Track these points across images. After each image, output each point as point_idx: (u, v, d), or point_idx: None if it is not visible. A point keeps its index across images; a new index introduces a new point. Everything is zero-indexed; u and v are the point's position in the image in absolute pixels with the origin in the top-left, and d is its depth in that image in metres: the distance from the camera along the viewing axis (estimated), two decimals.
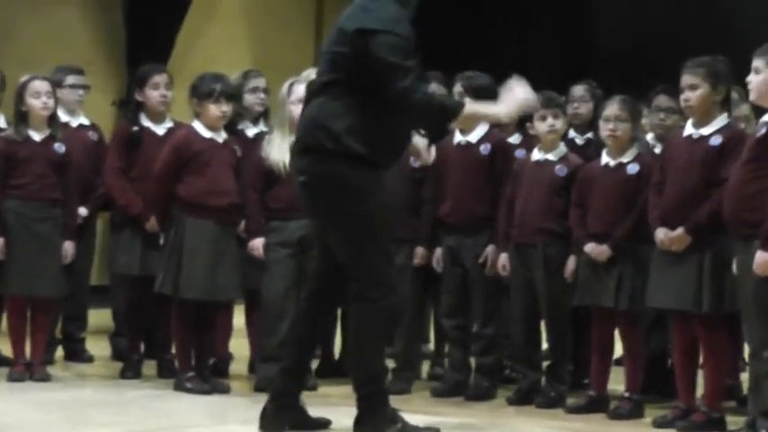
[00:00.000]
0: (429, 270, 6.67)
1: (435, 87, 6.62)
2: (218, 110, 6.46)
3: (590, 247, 6.01)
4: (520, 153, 6.61)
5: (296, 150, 5.28)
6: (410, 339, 6.76)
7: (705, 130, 5.64)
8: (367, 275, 5.13)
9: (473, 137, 6.52)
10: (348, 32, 5.08)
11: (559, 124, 6.33)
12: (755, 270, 5.13)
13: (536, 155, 6.37)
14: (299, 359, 5.34)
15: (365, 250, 5.13)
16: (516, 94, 5.14)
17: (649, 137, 6.80)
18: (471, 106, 5.17)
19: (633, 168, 6.04)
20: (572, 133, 6.94)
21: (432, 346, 7.43)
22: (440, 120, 5.04)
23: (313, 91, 5.25)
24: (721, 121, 5.66)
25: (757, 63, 5.30)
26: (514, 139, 6.86)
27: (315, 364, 6.56)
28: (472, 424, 5.83)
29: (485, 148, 6.50)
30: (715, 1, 11.81)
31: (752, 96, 5.42)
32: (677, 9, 11.87)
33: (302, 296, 5.51)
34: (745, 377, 5.80)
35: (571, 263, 6.16)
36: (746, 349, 5.59)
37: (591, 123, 6.84)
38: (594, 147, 6.60)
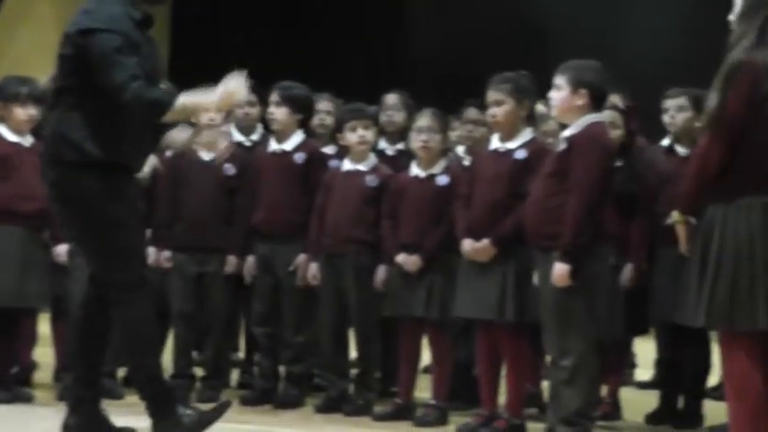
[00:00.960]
0: (240, 278, 6.69)
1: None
2: (24, 113, 6.36)
3: (401, 258, 6.11)
4: (335, 163, 6.66)
5: (44, 163, 5.18)
6: (220, 347, 6.76)
7: (511, 144, 5.79)
8: (122, 279, 5.08)
9: (288, 145, 6.57)
10: (71, 34, 5.04)
11: (369, 135, 6.41)
12: (554, 281, 5.28)
13: (346, 165, 6.45)
14: (88, 368, 5.27)
15: (119, 255, 5.07)
16: (228, 85, 5.14)
17: (459, 149, 6.96)
18: (182, 98, 5.16)
19: (443, 180, 6.16)
20: (383, 144, 7.03)
21: (242, 354, 7.45)
22: (154, 114, 5.04)
23: (52, 98, 5.20)
24: (526, 135, 5.81)
25: (558, 80, 5.44)
26: (330, 149, 6.93)
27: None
28: None
29: (299, 157, 6.55)
30: (526, 18, 12.11)
31: (553, 113, 5.58)
32: (489, 24, 12.15)
33: (77, 304, 5.43)
34: (546, 385, 5.96)
35: (381, 272, 6.25)
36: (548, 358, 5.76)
37: (402, 133, 6.95)
38: (406, 158, 6.71)
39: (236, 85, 5.03)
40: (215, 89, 5.02)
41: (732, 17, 4.45)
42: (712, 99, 4.36)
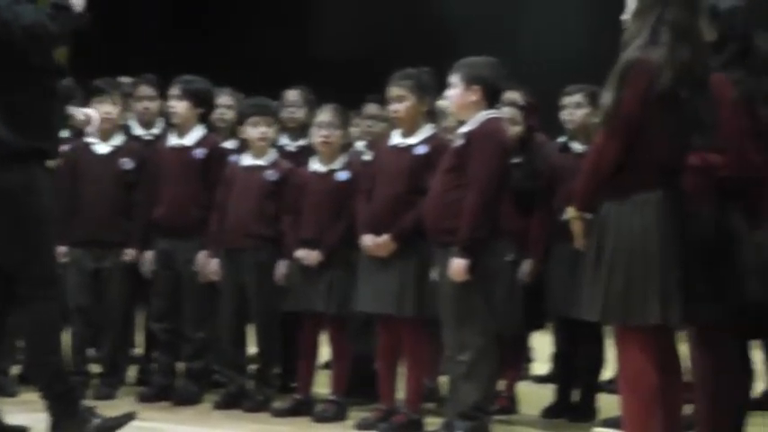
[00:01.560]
0: (139, 274, 6.65)
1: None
2: None
3: (301, 253, 6.11)
4: (236, 158, 6.61)
5: None
6: (117, 343, 6.71)
7: (411, 140, 5.83)
8: (40, 274, 5.00)
9: (188, 140, 6.54)
10: None
11: (271, 132, 6.41)
12: (452, 276, 5.33)
13: (246, 160, 6.43)
14: None
15: (38, 250, 5.00)
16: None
17: (359, 144, 6.98)
18: None
19: (343, 175, 6.19)
20: (284, 140, 7.02)
21: (140, 350, 7.39)
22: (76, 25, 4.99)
23: None
24: (427, 131, 5.86)
25: (453, 78, 5.50)
26: (231, 143, 6.91)
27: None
28: (177, 429, 5.83)
29: (200, 152, 6.53)
30: (429, 15, 12.16)
31: (450, 110, 5.64)
32: (392, 20, 12.18)
33: None
34: (444, 380, 6.01)
35: (281, 267, 6.25)
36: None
37: (303, 129, 6.95)
38: (307, 153, 6.72)
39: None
40: None
41: (626, 16, 4.52)
42: (607, 97, 4.42)
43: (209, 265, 6.41)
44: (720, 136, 4.47)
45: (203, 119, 6.65)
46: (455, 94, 5.50)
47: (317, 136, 6.23)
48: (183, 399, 6.44)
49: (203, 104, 6.60)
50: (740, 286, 4.58)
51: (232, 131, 6.88)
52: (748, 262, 4.59)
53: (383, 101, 6.09)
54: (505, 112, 5.89)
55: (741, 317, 4.66)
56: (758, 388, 6.26)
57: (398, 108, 5.83)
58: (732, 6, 4.71)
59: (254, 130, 6.37)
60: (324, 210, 6.15)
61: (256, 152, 6.41)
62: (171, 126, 6.75)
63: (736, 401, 4.89)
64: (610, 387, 6.36)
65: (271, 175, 6.36)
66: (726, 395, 4.77)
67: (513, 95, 6.26)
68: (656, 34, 4.38)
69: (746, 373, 5.13)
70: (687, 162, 4.47)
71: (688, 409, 4.85)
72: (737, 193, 4.60)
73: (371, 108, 6.79)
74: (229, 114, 7.06)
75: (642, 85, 4.35)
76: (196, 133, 6.58)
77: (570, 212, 4.62)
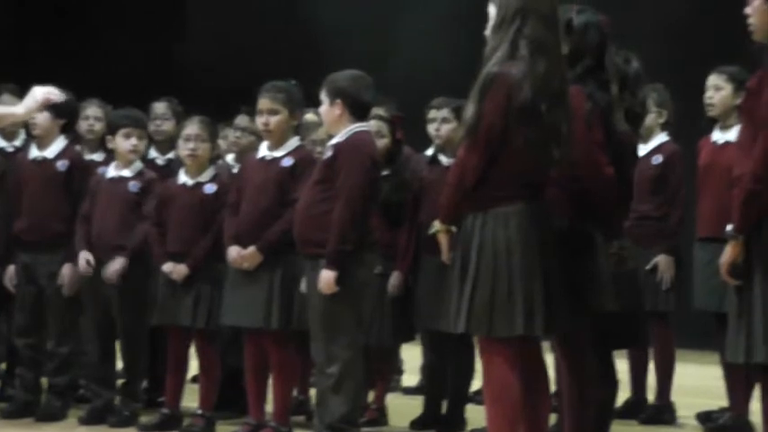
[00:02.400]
0: (2, 288, 6.52)
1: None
2: None
3: (168, 266, 6.06)
4: (103, 170, 6.52)
5: None
6: None
7: (278, 153, 5.83)
8: None
9: (50, 152, 6.45)
10: None
11: (142, 145, 6.36)
12: (320, 288, 5.33)
13: (111, 171, 6.37)
14: None
15: None
16: (35, 94, 5.08)
17: (229, 158, 6.94)
18: None
19: (211, 188, 6.14)
20: (153, 153, 6.97)
21: (2, 365, 7.24)
22: None
23: None
24: (293, 143, 5.87)
25: (321, 94, 5.53)
26: (98, 155, 6.83)
27: None
28: None
29: (62, 165, 6.45)
30: (300, 30, 12.18)
31: (324, 123, 5.68)
32: (265, 34, 12.17)
33: None
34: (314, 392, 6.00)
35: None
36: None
37: (172, 142, 6.88)
38: (177, 166, 6.65)
39: (42, 93, 5.07)
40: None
41: (487, 32, 4.57)
42: (469, 110, 4.46)
43: (74, 278, 6.31)
44: (575, 148, 4.53)
45: (65, 130, 6.55)
46: (323, 110, 5.54)
47: (183, 149, 6.18)
48: (46, 415, 6.33)
49: (65, 115, 6.49)
50: (597, 296, 4.67)
51: (101, 143, 6.79)
52: (604, 272, 4.68)
53: (254, 113, 6.06)
54: (372, 125, 5.92)
55: (600, 326, 4.74)
56: (622, 397, 6.36)
57: (270, 121, 5.83)
58: (586, 21, 4.80)
59: (126, 142, 6.30)
60: (191, 223, 6.10)
61: (123, 164, 6.34)
62: (32, 138, 6.64)
63: (600, 411, 4.97)
64: (478, 398, 6.42)
65: (133, 186, 6.29)
66: (589, 405, 4.83)
67: (378, 109, 6.28)
68: (514, 49, 4.44)
69: (610, 383, 5.21)
70: (547, 174, 4.53)
71: (554, 419, 4.92)
72: (592, 206, 4.68)
73: (242, 120, 6.75)
74: (98, 126, 6.96)
75: (502, 99, 4.39)
76: (57, 145, 6.49)
77: (436, 226, 4.66)
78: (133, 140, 6.29)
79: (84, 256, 6.19)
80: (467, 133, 4.48)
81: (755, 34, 4.25)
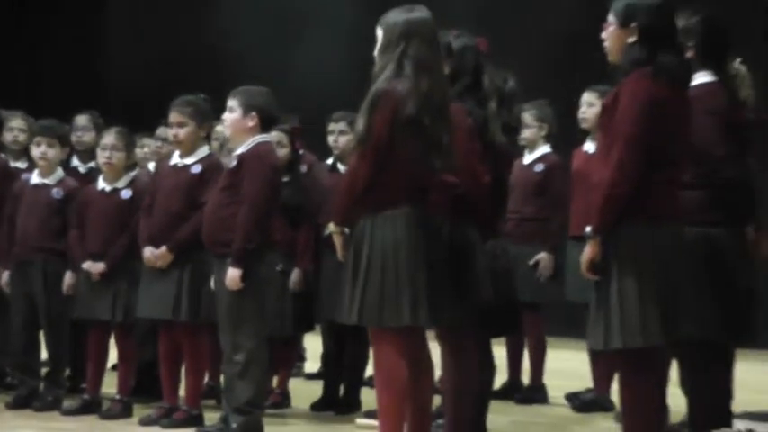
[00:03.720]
0: None
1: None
2: None
3: (87, 265, 6.01)
4: (27, 176, 6.46)
5: None
6: None
7: (188, 160, 5.81)
8: None
9: None
10: None
11: (51, 152, 6.27)
12: (227, 284, 5.34)
13: (34, 179, 6.32)
14: None
15: None
16: None
17: (151, 165, 6.90)
18: None
19: (126, 194, 6.11)
20: (75, 162, 6.90)
21: None
22: None
23: None
24: (203, 152, 5.86)
25: (231, 103, 5.50)
26: (21, 164, 6.74)
27: None
28: None
29: None
30: (211, 45, 12.17)
31: (227, 133, 5.68)
32: (176, 51, 12.13)
33: None
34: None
35: (69, 278, 6.15)
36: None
37: (93, 151, 6.82)
38: (97, 174, 6.58)
39: None
40: None
41: (375, 52, 4.60)
42: (360, 123, 4.48)
43: (1, 276, 6.26)
44: (456, 158, 4.57)
45: None
46: (233, 118, 5.50)
47: (101, 157, 6.15)
48: None
49: None
50: (476, 290, 4.73)
51: (25, 152, 6.71)
52: (481, 268, 4.75)
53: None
54: (274, 136, 5.92)
55: (479, 317, 4.80)
56: (500, 380, 6.43)
57: (179, 132, 5.81)
58: (464, 45, 4.87)
59: (36, 150, 6.27)
60: (108, 225, 6.06)
61: (43, 171, 6.29)
62: None
63: (479, 392, 5.02)
64: (371, 383, 6.44)
65: (56, 192, 6.25)
66: (469, 387, 4.88)
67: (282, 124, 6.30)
68: (400, 68, 4.46)
69: (489, 367, 5.27)
70: (430, 181, 4.57)
71: (437, 401, 4.97)
72: (471, 209, 4.74)
73: (162, 131, 6.72)
74: (22, 137, 6.86)
75: (389, 113, 4.41)
76: None
77: (331, 228, 4.66)
78: (42, 148, 6.23)
79: None
80: (357, 144, 4.49)
81: (610, 56, 4.34)
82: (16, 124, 6.86)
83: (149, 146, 7.03)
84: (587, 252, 4.21)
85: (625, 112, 4.13)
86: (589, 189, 4.40)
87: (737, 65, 4.84)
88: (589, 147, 6.52)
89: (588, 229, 4.23)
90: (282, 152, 6.17)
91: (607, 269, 4.18)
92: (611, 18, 4.29)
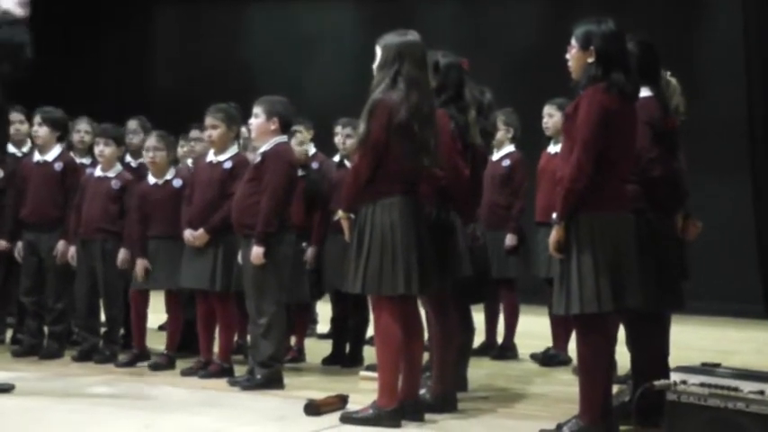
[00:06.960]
0: (12, 258, 6.39)
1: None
2: None
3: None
4: (91, 170, 6.39)
5: None
6: None
7: (221, 157, 5.73)
8: None
9: (49, 156, 6.33)
10: None
11: (109, 150, 6.20)
12: (252, 260, 5.26)
13: (97, 172, 6.25)
14: None
15: None
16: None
17: (189, 161, 6.81)
18: None
19: (177, 183, 6.02)
20: (128, 158, 6.82)
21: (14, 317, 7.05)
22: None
23: None
24: (233, 150, 5.76)
25: (256, 110, 5.44)
26: (87, 159, 6.66)
27: None
28: (43, 377, 5.57)
29: (58, 166, 6.33)
30: (239, 63, 12.14)
31: (252, 135, 5.60)
32: (211, 66, 12.13)
33: None
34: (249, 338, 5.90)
35: (122, 254, 6.07)
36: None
37: (141, 150, 6.74)
38: (145, 169, 6.47)
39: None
40: None
41: (374, 67, 4.54)
42: (361, 127, 4.45)
43: (67, 251, 6.19)
44: (441, 156, 4.53)
45: (61, 140, 6.43)
46: (258, 122, 5.43)
47: (146, 157, 6.09)
48: (47, 354, 6.20)
49: (60, 129, 6.40)
50: (457, 265, 4.68)
51: (89, 150, 6.64)
52: (462, 247, 4.71)
53: (203, 127, 5.94)
54: (297, 137, 5.86)
55: (460, 287, 4.75)
56: (479, 340, 6.37)
57: (212, 134, 5.73)
58: (449, 63, 4.83)
59: (97, 148, 6.22)
60: (163, 210, 5.94)
61: (103, 166, 6.22)
62: (35, 146, 6.48)
63: (461, 350, 4.99)
64: (372, 342, 6.37)
65: (115, 183, 6.18)
66: (452, 346, 4.84)
67: (298, 126, 6.24)
68: (394, 82, 4.43)
69: (468, 329, 5.22)
70: (420, 175, 4.51)
71: (426, 357, 4.90)
72: (453, 198, 4.71)
73: (194, 133, 6.63)
74: (87, 138, 6.77)
75: (385, 119, 4.38)
76: (55, 151, 6.35)
77: (339, 213, 4.62)
78: (101, 146, 6.18)
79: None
80: (359, 144, 4.46)
81: (573, 74, 4.27)
82: (82, 127, 6.79)
83: (185, 145, 6.94)
84: (554, 235, 4.15)
85: (583, 121, 4.08)
86: (553, 184, 4.33)
87: (668, 77, 4.79)
88: (551, 149, 6.48)
89: (554, 216, 4.16)
90: (300, 150, 6.09)
91: (569, 249, 4.12)
92: (573, 42, 4.23)
